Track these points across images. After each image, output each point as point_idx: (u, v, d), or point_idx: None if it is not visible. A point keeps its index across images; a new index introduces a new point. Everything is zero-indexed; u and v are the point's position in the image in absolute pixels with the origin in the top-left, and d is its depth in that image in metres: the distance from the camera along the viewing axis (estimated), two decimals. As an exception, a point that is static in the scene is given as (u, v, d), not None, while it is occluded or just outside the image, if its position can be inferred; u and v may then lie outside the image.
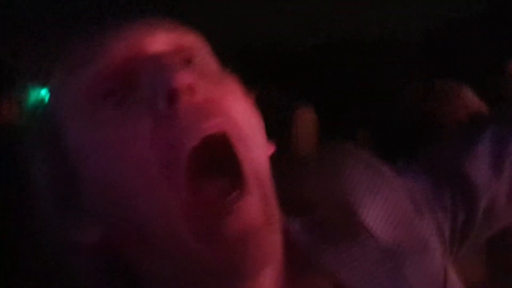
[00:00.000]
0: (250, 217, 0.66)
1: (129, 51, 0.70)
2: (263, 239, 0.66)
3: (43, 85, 0.75)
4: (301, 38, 3.34)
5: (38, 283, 0.71)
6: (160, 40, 0.72)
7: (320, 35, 3.34)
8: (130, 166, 0.66)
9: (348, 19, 3.33)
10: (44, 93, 0.73)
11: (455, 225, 0.86)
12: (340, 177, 0.81)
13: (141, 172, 0.65)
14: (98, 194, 0.68)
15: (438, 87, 1.65)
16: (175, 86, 0.66)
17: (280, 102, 2.18)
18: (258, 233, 0.66)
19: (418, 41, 3.51)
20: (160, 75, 0.67)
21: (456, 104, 1.56)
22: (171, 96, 0.66)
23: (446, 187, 0.87)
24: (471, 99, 1.58)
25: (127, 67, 0.69)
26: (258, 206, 0.67)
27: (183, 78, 0.66)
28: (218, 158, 0.67)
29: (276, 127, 1.93)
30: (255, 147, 0.70)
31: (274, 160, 0.76)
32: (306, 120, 2.20)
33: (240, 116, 0.70)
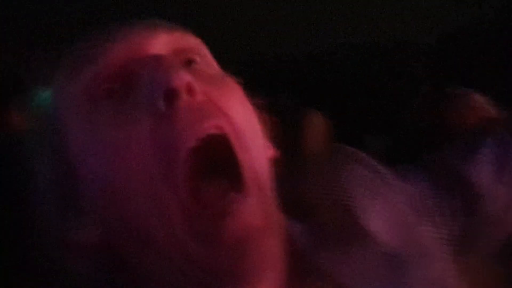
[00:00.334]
0: (248, 220, 0.65)
1: (130, 52, 0.70)
2: (262, 243, 0.66)
3: (45, 87, 0.75)
4: (311, 44, 3.34)
5: (38, 283, 0.71)
6: (161, 41, 0.71)
7: (329, 41, 3.34)
8: (129, 166, 0.65)
9: (357, 26, 3.33)
10: (46, 95, 0.73)
11: (457, 231, 0.84)
12: (340, 181, 0.81)
13: (139, 172, 0.65)
14: (98, 194, 0.67)
15: (449, 94, 1.64)
16: (174, 86, 0.65)
17: (290, 108, 2.18)
18: (257, 236, 0.65)
19: (429, 47, 3.50)
20: (158, 75, 0.66)
21: (466, 110, 1.55)
22: (169, 95, 0.65)
23: (448, 191, 0.85)
24: (481, 106, 1.57)
25: (127, 67, 0.69)
26: (257, 208, 0.66)
27: (182, 78, 0.66)
28: (217, 159, 0.67)
29: (287, 133, 1.93)
30: (255, 149, 0.69)
31: (283, 164, 0.75)
32: (316, 125, 2.20)
33: (240, 117, 0.69)
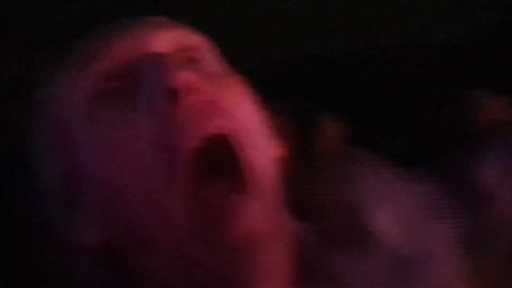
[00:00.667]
0: (252, 222, 0.64)
1: (132, 50, 0.69)
2: (266, 245, 0.65)
3: (47, 86, 0.74)
4: (325, 47, 3.33)
5: (39, 284, 0.70)
6: (164, 39, 0.71)
7: (343, 44, 3.33)
8: (130, 166, 0.64)
9: (371, 29, 3.32)
10: (48, 93, 0.73)
11: (466, 233, 0.84)
12: (349, 182, 0.80)
13: (141, 172, 0.64)
14: (99, 194, 0.66)
15: (460, 96, 1.64)
16: (176, 85, 0.64)
17: (304, 110, 2.18)
18: (261, 238, 0.64)
19: (442, 49, 3.49)
20: (159, 74, 0.66)
21: (477, 113, 1.55)
22: (171, 95, 0.65)
23: (457, 193, 0.86)
24: (492, 108, 1.57)
25: (129, 66, 0.68)
26: (260, 210, 0.65)
27: (183, 77, 0.65)
28: (219, 159, 0.66)
29: (300, 135, 1.94)
30: (259, 149, 0.68)
31: (294, 166, 0.76)
32: (329, 128, 2.20)
33: (243, 118, 0.68)
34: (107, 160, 0.65)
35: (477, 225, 0.86)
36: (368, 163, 0.83)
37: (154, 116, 0.65)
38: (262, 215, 0.65)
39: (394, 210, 0.80)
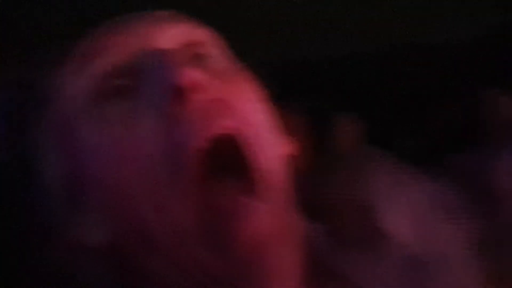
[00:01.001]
0: (261, 225, 0.62)
1: (137, 47, 0.67)
2: (276, 249, 0.63)
3: (51, 84, 0.72)
4: (342, 47, 3.32)
5: (41, 284, 0.69)
6: (169, 34, 0.68)
7: (361, 44, 3.32)
8: (135, 168, 0.63)
9: (388, 28, 3.30)
10: (52, 91, 0.71)
11: (480, 235, 0.83)
12: (362, 182, 0.79)
13: (146, 173, 0.62)
14: (105, 195, 0.64)
15: (484, 97, 1.63)
16: (181, 84, 0.62)
17: (321, 110, 2.17)
18: (270, 242, 0.63)
19: (460, 48, 3.46)
20: (164, 72, 0.64)
21: (494, 112, 1.53)
22: (176, 94, 0.62)
23: (471, 194, 0.84)
24: (510, 108, 1.55)
25: (134, 63, 0.66)
26: (270, 213, 0.63)
27: (190, 75, 0.63)
28: (227, 161, 0.63)
29: (316, 135, 1.93)
30: (268, 150, 0.66)
31: (309, 166, 0.75)
32: (346, 127, 2.19)
33: (252, 117, 0.66)
34: (111, 160, 0.64)
35: (492, 225, 0.85)
36: (382, 163, 0.82)
37: (159, 116, 0.63)
38: (272, 218, 0.63)
39: (407, 210, 0.79)
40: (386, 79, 3.39)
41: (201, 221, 0.62)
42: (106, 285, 0.66)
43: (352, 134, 2.16)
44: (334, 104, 2.27)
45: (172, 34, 0.68)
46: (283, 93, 0.72)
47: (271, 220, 0.63)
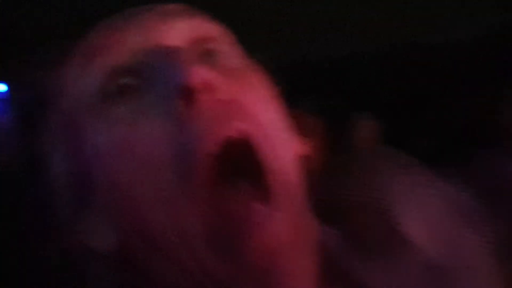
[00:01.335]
0: (274, 233, 0.59)
1: (144, 43, 0.64)
2: (290, 258, 0.61)
3: (56, 83, 0.70)
4: (359, 46, 3.33)
5: (48, 285, 0.68)
6: (177, 30, 0.65)
7: (377, 43, 3.32)
8: (143, 171, 0.60)
9: (402, 27, 3.30)
10: (59, 91, 0.68)
11: (501, 238, 0.81)
12: (380, 184, 0.76)
13: (154, 177, 0.59)
14: (112, 198, 0.62)
15: (496, 96, 1.61)
16: (190, 84, 0.59)
17: (339, 110, 2.16)
18: (284, 251, 0.60)
19: (478, 47, 3.46)
20: (173, 72, 0.60)
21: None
22: (185, 94, 0.59)
23: (492, 196, 0.82)
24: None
25: (140, 61, 0.63)
26: (284, 220, 0.60)
27: (200, 74, 0.59)
28: (239, 165, 0.60)
29: (334, 135, 1.92)
30: (282, 152, 0.63)
31: (325, 167, 0.73)
32: (364, 128, 2.18)
33: (264, 118, 0.63)
34: (117, 161, 0.61)
35: (510, 227, 0.83)
36: (400, 164, 0.80)
37: (166, 118, 0.60)
38: (285, 225, 0.60)
39: (425, 213, 0.76)
40: (386, 79, 3.39)
41: (211, 227, 0.59)
42: None
43: (369, 133, 2.15)
44: (351, 103, 2.26)
45: (180, 30, 0.65)
46: (299, 92, 0.70)
47: (285, 227, 0.60)
